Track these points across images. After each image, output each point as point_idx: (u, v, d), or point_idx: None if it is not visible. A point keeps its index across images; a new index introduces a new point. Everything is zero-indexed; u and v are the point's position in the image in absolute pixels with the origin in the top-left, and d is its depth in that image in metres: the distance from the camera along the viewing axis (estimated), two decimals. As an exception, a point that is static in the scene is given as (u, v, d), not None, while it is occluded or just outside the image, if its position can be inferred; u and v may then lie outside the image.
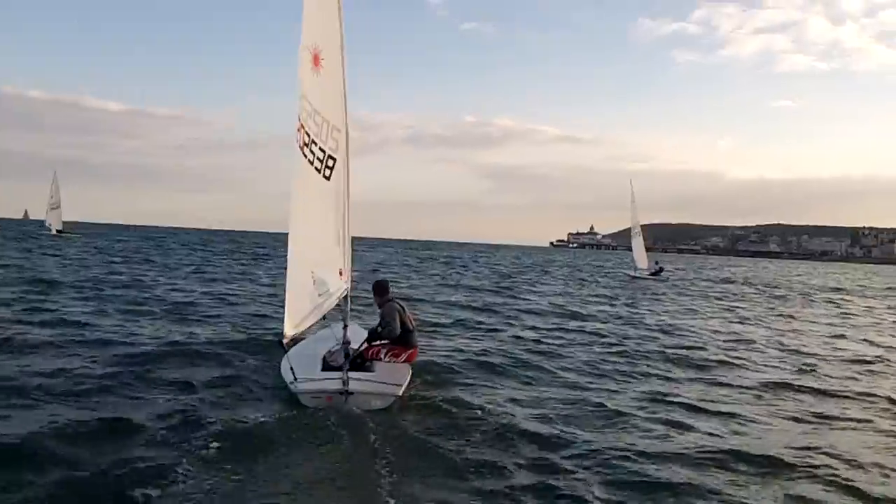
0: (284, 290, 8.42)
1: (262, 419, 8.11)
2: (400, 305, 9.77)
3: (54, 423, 7.51)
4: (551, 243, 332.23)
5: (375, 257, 61.20)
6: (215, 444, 7.09)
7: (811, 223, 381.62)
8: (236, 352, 11.90)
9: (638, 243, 47.93)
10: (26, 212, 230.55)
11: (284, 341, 8.37)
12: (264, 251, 62.95)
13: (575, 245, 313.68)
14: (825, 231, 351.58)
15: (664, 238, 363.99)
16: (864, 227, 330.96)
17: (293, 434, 7.63)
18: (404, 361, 9.62)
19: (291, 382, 8.59)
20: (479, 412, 8.85)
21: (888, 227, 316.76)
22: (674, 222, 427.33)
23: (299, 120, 8.55)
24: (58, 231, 61.71)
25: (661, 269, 47.62)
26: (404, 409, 8.74)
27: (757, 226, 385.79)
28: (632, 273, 49.11)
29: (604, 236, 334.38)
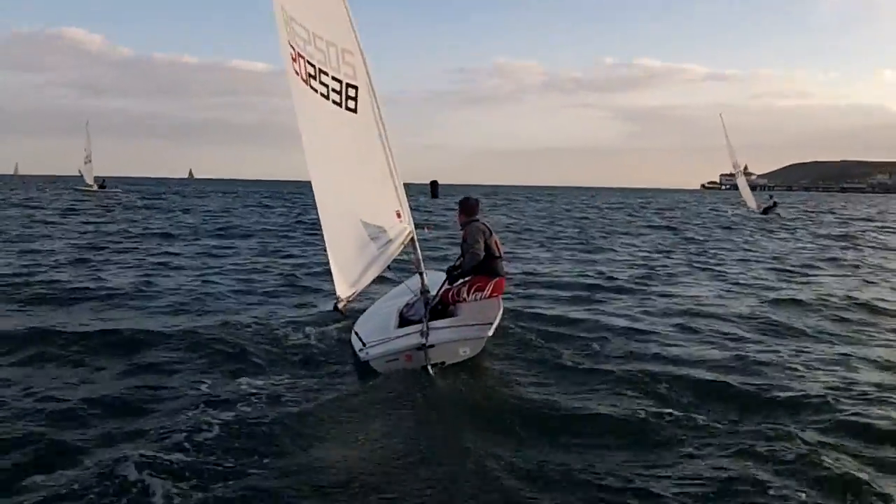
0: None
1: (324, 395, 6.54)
2: (486, 227, 8.21)
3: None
4: (703, 185, 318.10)
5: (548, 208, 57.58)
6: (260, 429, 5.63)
7: None
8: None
9: (742, 183, 47.96)
10: (191, 171, 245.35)
11: (340, 305, 6.96)
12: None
13: (727, 186, 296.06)
14: None
15: (826, 177, 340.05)
16: None
17: (359, 410, 6.15)
18: (492, 294, 8.06)
19: (360, 350, 7.28)
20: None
21: None
22: (835, 160, 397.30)
23: (293, 48, 6.87)
24: (100, 186, 58.31)
25: (773, 205, 45.27)
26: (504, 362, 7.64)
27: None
28: (743, 212, 47.90)
29: (759, 176, 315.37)
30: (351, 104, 7.14)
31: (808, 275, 15.67)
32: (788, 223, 37.68)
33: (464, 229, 8.24)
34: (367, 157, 7.47)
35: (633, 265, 17.06)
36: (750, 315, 10.49)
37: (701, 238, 26.62)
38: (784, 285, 14.01)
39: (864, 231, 32.32)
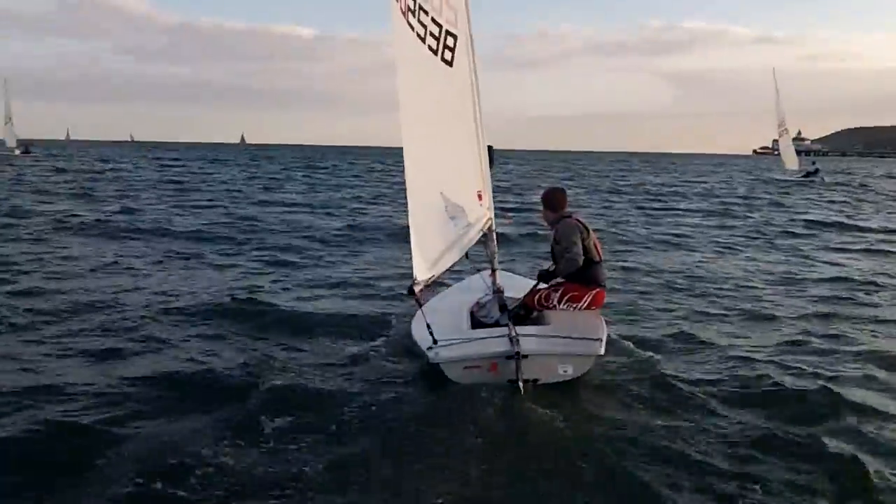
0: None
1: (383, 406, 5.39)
2: (582, 223, 6.52)
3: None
4: (754, 151, 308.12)
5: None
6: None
7: None
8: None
9: (785, 142, 46.56)
10: (243, 136, 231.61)
11: (417, 289, 5.62)
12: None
13: (779, 152, 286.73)
14: None
15: (879, 142, 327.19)
16: None
17: (433, 429, 4.99)
18: (588, 306, 6.40)
19: (430, 348, 5.63)
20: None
21: None
22: (888, 125, 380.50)
23: None
24: (23, 151, 53.34)
25: (816, 171, 44.36)
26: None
27: None
28: (777, 175, 47.25)
29: (812, 141, 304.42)
30: (448, 55, 5.96)
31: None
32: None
33: (554, 228, 6.63)
34: (456, 119, 6.33)
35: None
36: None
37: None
38: None
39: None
